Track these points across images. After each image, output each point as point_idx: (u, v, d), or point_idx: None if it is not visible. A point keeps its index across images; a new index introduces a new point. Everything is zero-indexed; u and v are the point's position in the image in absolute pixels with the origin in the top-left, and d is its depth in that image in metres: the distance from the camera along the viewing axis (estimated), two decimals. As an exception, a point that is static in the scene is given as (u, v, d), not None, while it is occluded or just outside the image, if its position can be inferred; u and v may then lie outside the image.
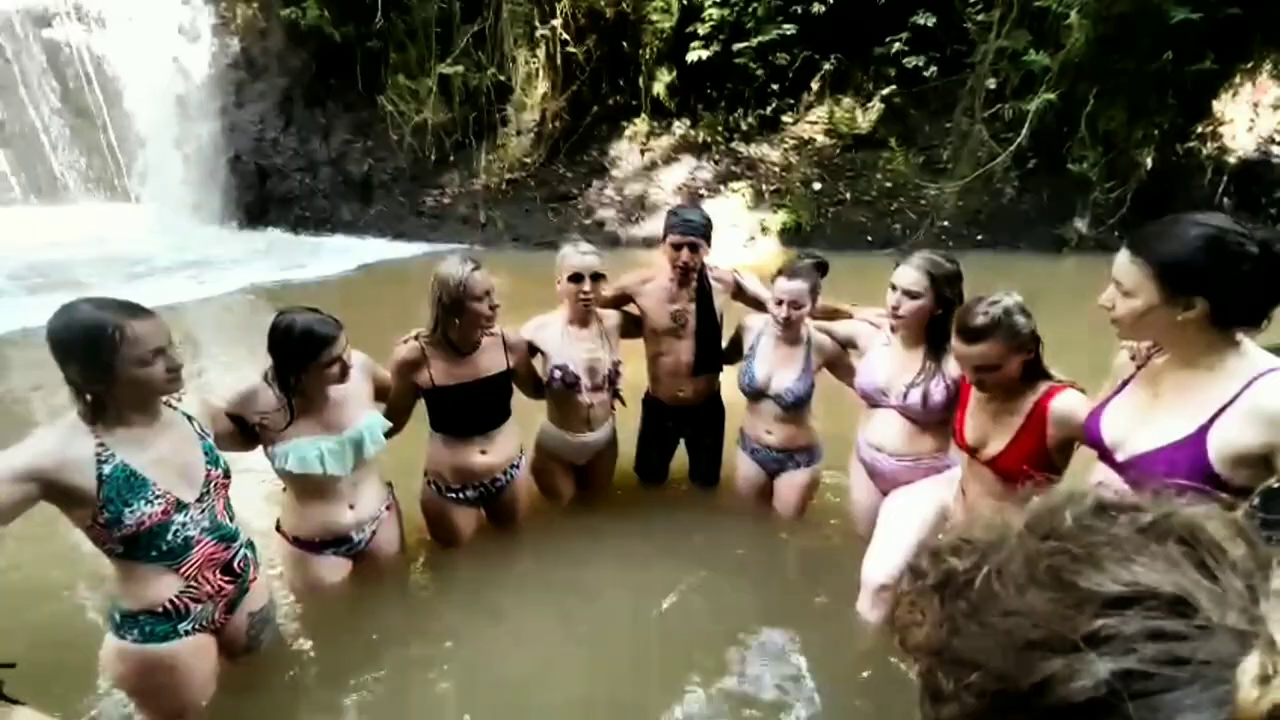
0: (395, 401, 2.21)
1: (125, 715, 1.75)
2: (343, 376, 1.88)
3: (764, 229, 9.76)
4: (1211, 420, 1.16)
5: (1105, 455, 1.37)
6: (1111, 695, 0.31)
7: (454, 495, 2.35)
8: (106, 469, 1.40)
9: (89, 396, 1.41)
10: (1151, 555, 0.35)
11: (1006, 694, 0.35)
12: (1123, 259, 1.20)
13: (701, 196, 10.16)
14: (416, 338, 2.18)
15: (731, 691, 1.88)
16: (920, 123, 9.66)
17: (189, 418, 1.62)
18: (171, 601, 1.55)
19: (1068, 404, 1.58)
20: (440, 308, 2.09)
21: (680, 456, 2.86)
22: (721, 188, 10.13)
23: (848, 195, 9.77)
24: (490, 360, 2.25)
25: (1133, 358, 1.41)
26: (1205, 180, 8.81)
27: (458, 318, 2.09)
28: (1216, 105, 8.87)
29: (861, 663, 1.96)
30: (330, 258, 9.12)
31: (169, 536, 1.51)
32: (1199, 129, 8.90)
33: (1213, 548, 0.34)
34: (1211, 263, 1.09)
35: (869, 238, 9.55)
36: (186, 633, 1.59)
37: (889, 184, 9.66)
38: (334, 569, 2.09)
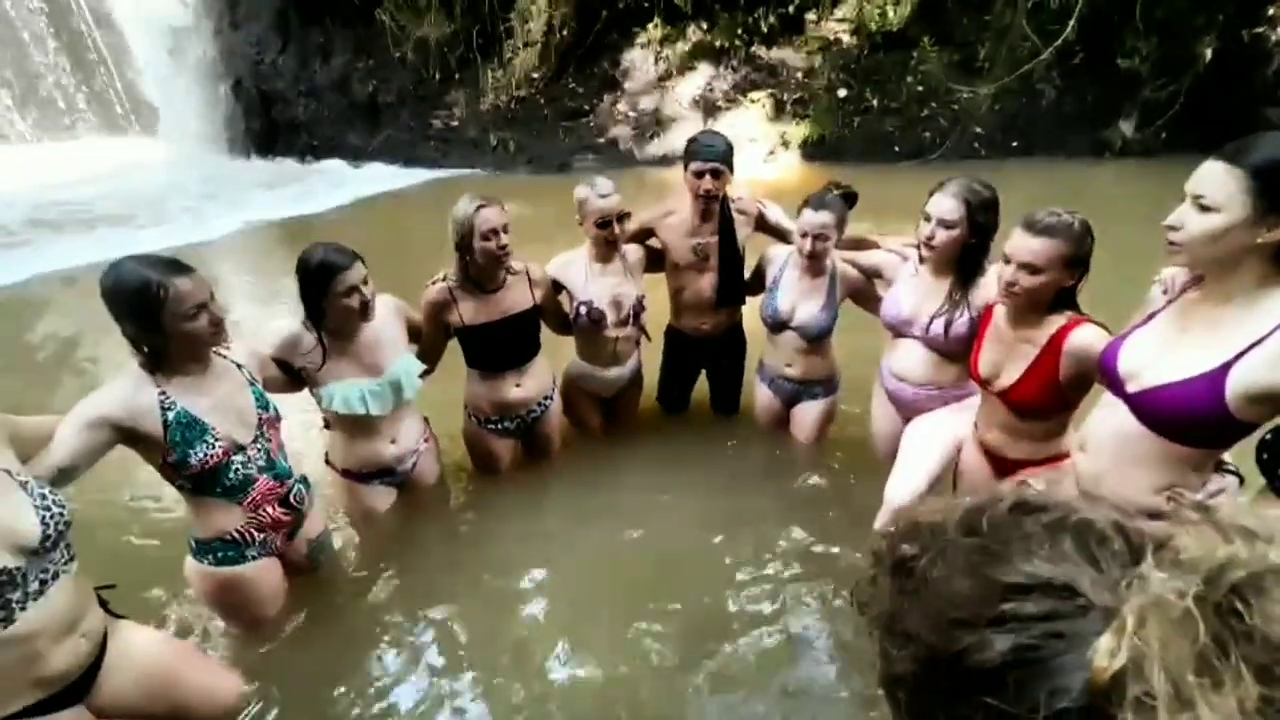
0: (427, 343, 2.28)
1: (208, 626, 1.98)
2: (363, 311, 1.91)
3: (785, 142, 9.33)
4: (1237, 357, 1.15)
5: (1115, 386, 1.37)
6: (1008, 664, 0.40)
7: (493, 426, 2.46)
8: (170, 415, 1.51)
9: (146, 349, 1.50)
10: (1050, 548, 0.43)
11: (934, 660, 0.44)
12: (1214, 169, 1.14)
13: (719, 108, 9.67)
14: (444, 279, 2.22)
15: (752, 607, 2.03)
16: (957, 17, 8.87)
17: (238, 365, 1.71)
18: (238, 530, 1.71)
19: (1084, 338, 1.56)
20: (456, 247, 2.11)
21: (702, 386, 2.93)
22: (740, 98, 9.59)
23: (875, 102, 9.19)
24: (517, 297, 2.29)
25: (1164, 291, 1.39)
26: (1270, 71, 8.08)
27: (470, 256, 2.12)
28: (1293, -19, 7.98)
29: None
30: (342, 188, 8.99)
31: (230, 474, 1.64)
32: (1270, 11, 8.06)
33: (1099, 540, 0.42)
34: None
35: (896, 148, 9.08)
36: (254, 557, 1.76)
37: (920, 88, 9.04)
38: (381, 497, 2.25)
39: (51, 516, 1.21)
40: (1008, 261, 1.61)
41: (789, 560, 2.19)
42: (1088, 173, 8.05)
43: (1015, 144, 8.82)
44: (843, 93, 9.25)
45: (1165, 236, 1.23)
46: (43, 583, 1.21)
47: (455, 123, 10.32)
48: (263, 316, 4.47)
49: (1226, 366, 1.16)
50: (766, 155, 9.31)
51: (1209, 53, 7.89)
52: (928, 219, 1.93)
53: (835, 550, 2.21)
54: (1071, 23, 7.64)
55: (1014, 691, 0.39)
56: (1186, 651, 0.33)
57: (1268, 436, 1.01)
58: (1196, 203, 1.16)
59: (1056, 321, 1.63)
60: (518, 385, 2.39)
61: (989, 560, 0.44)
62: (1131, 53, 7.93)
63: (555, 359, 2.62)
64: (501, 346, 2.33)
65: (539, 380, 2.45)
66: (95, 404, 1.45)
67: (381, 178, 9.59)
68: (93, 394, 1.48)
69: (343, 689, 1.80)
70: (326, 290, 1.85)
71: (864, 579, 0.54)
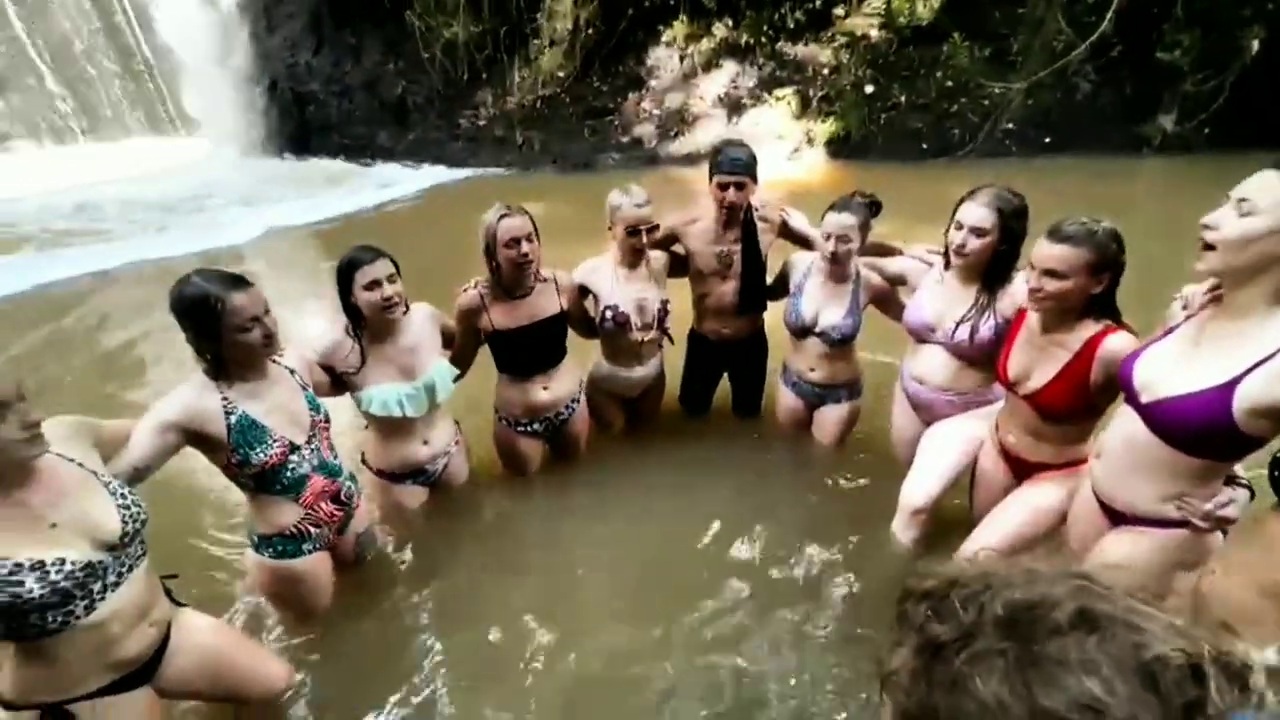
0: (460, 348, 2.38)
1: (264, 614, 2.10)
2: (388, 306, 1.97)
3: (810, 140, 9.27)
4: (1245, 373, 1.18)
5: (1131, 397, 1.41)
6: None
7: (522, 428, 2.55)
8: (233, 419, 1.63)
9: (208, 356, 1.62)
10: (1112, 675, 0.40)
11: None
12: (1266, 177, 1.15)
13: (744, 106, 9.65)
14: (475, 286, 2.31)
15: (770, 601, 2.09)
16: (988, 10, 8.71)
17: (291, 371, 1.83)
18: (296, 526, 1.82)
19: (1117, 345, 1.57)
20: (484, 253, 2.21)
21: (724, 387, 2.98)
22: (765, 95, 9.56)
23: (903, 98, 9.09)
24: (545, 304, 2.37)
25: (1184, 308, 1.41)
26: (1320, 62, 7.77)
27: (495, 262, 2.21)
28: (1347, -31, 7.65)
29: (895, 578, 2.13)
30: (372, 189, 9.21)
31: (288, 473, 1.76)
32: (1323, 0, 7.74)
33: (1173, 677, 0.40)
34: None
35: (924, 145, 8.97)
36: (309, 551, 1.88)
37: (949, 83, 8.91)
38: (413, 496, 2.36)
39: (131, 515, 1.33)
40: (1034, 269, 1.64)
41: (808, 562, 2.23)
42: (1125, 170, 7.85)
43: (1048, 140, 8.64)
44: (870, 89, 9.16)
45: (1200, 235, 1.25)
46: (120, 575, 1.33)
47: (482, 122, 10.49)
48: (296, 319, 4.62)
49: (1235, 381, 1.19)
50: (791, 153, 9.27)
51: (1256, 44, 7.61)
52: (959, 227, 1.94)
53: (853, 553, 2.25)
54: (1109, 14, 7.45)
55: None
56: None
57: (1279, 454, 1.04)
58: (1239, 206, 1.18)
59: (1092, 327, 1.64)
60: (545, 388, 2.47)
61: (1042, 680, 0.41)
62: (1172, 45, 7.70)
63: (580, 362, 2.70)
64: (530, 351, 2.41)
65: (567, 383, 2.53)
66: (165, 410, 1.57)
67: (411, 178, 9.80)
68: (163, 400, 1.60)
69: (380, 675, 1.91)
70: (351, 284, 1.96)
71: (887, 647, 0.52)
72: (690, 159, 9.34)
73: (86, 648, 1.30)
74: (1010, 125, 8.71)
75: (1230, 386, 1.20)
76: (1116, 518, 1.52)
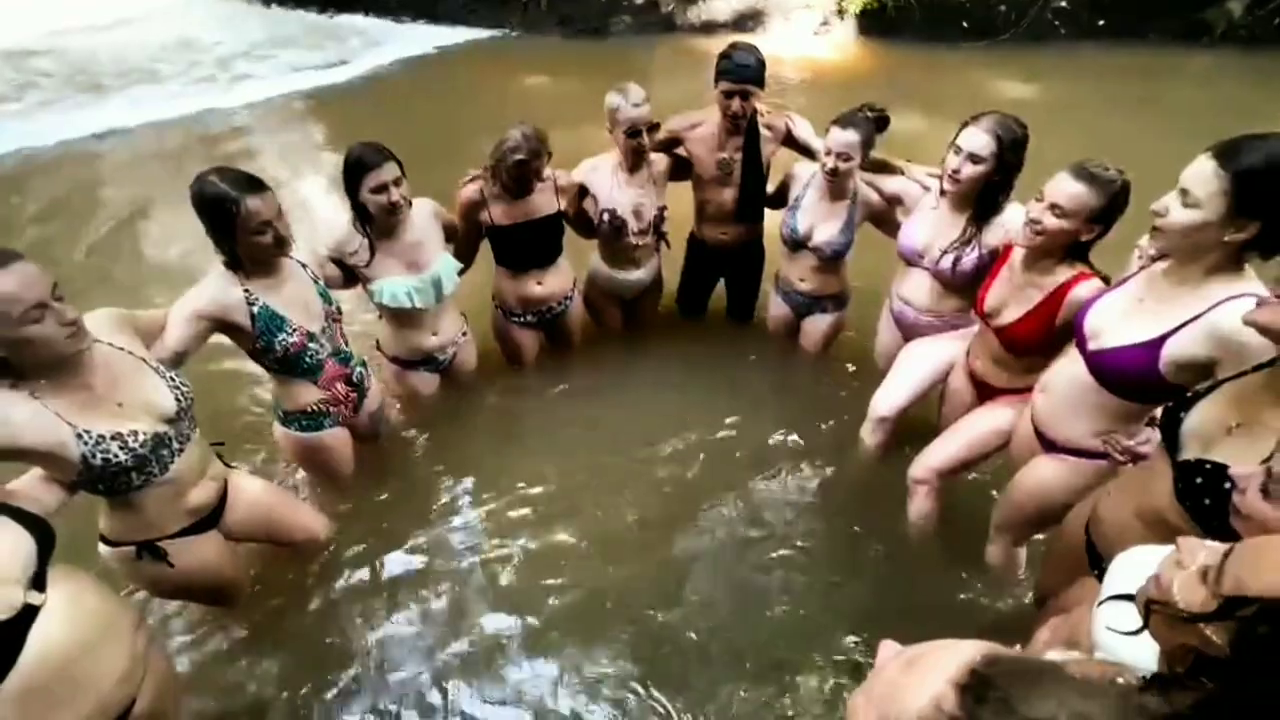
0: (462, 240, 2.47)
1: (297, 478, 2.41)
2: (392, 209, 2.06)
3: (841, 11, 8.46)
4: (1174, 330, 1.32)
5: (1080, 343, 1.54)
6: None
7: (517, 319, 2.71)
8: (255, 309, 1.79)
9: (226, 251, 1.74)
10: None
11: None
12: (1204, 168, 1.22)
13: (773, -33, 8.70)
14: (475, 179, 2.35)
15: (748, 490, 2.37)
16: None
17: (303, 265, 1.95)
18: (316, 405, 2.05)
19: (1086, 293, 1.67)
20: (493, 158, 2.27)
21: (719, 292, 3.09)
22: (797, -46, 8.58)
23: (950, -35, 8.17)
24: (543, 202, 2.43)
25: (1139, 257, 1.50)
26: None
27: (503, 170, 2.27)
28: None
29: (860, 476, 2.41)
30: (365, 51, 8.43)
31: (307, 359, 1.94)
32: None
33: None
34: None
35: (965, 23, 8.20)
36: (329, 426, 2.12)
37: (1004, -51, 7.97)
38: (426, 382, 2.57)
39: (181, 394, 1.54)
40: (1039, 200, 1.68)
41: (783, 454, 2.50)
42: (1174, 62, 7.29)
43: (1101, 23, 7.90)
44: (915, -48, 8.20)
45: (1151, 219, 1.34)
46: (181, 444, 1.57)
47: (483, -28, 9.51)
48: (292, 197, 4.37)
49: (1164, 338, 1.33)
50: (819, 25, 8.50)
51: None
52: (957, 151, 1.95)
53: (824, 449, 2.51)
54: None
55: None
56: None
57: (1170, 405, 1.20)
58: (1183, 196, 1.26)
59: (1066, 272, 1.73)
60: (539, 283, 2.58)
61: None
62: (1261, -86, 6.80)
63: (577, 261, 2.78)
64: (525, 247, 2.49)
65: (560, 280, 2.64)
66: (194, 301, 1.73)
67: (405, 38, 9.03)
68: (191, 291, 1.75)
69: (397, 527, 2.25)
70: (359, 184, 2.03)
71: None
72: (708, 28, 8.59)
73: (165, 499, 1.58)
74: (1063, 3, 7.92)
75: (1159, 342, 1.34)
76: (1049, 445, 1.72)
